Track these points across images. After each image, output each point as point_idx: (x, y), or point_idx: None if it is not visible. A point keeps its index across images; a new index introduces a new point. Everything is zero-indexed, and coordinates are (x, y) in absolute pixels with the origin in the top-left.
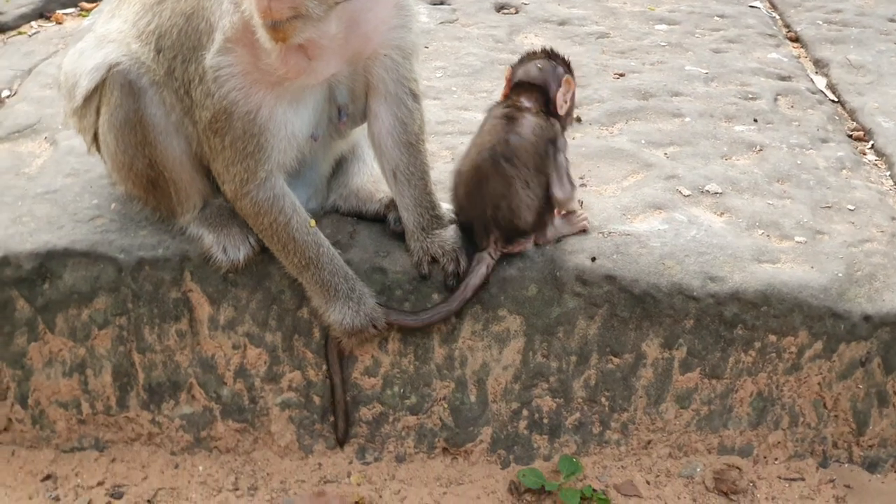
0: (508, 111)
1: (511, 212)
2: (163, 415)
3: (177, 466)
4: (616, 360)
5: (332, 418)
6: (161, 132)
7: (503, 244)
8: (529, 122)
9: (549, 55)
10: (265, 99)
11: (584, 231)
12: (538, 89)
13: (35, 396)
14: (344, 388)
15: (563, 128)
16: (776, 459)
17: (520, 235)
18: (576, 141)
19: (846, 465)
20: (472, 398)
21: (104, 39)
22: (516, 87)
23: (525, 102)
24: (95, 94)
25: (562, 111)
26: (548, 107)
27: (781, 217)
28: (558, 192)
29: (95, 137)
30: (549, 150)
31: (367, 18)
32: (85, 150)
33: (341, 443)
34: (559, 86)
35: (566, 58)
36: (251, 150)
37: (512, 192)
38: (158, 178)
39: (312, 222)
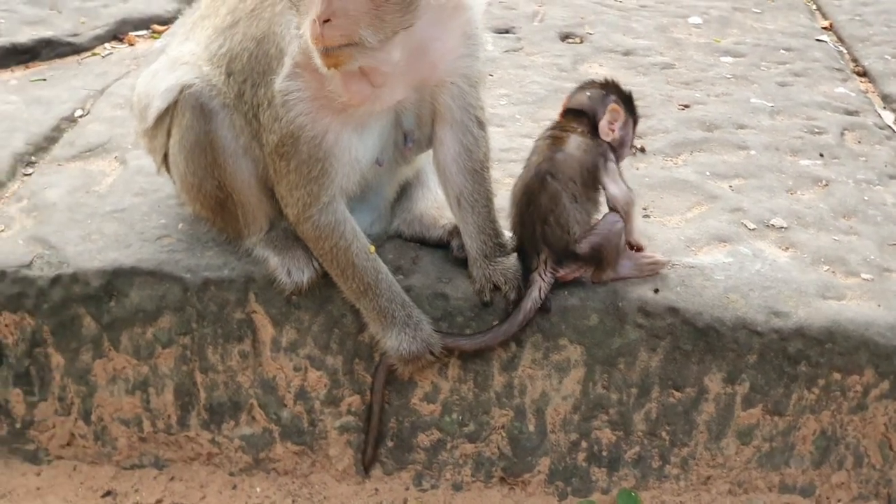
0: (555, 132)
1: (560, 226)
2: (222, 435)
3: (234, 487)
4: (677, 394)
5: (364, 443)
6: (231, 155)
7: (554, 264)
8: (575, 141)
9: (604, 84)
10: (331, 124)
11: (654, 274)
12: (586, 115)
13: (98, 413)
14: (381, 416)
15: (618, 156)
16: (839, 500)
17: (572, 257)
18: (640, 171)
19: None
20: (531, 427)
21: (177, 62)
22: (566, 113)
23: (573, 125)
24: (167, 115)
25: (607, 137)
26: (596, 132)
27: (847, 253)
28: (613, 189)
29: (165, 158)
30: (598, 163)
31: (435, 47)
32: (153, 170)
33: (367, 468)
34: (605, 112)
35: (625, 89)
36: (315, 174)
37: (559, 206)
38: (227, 200)
39: (372, 248)
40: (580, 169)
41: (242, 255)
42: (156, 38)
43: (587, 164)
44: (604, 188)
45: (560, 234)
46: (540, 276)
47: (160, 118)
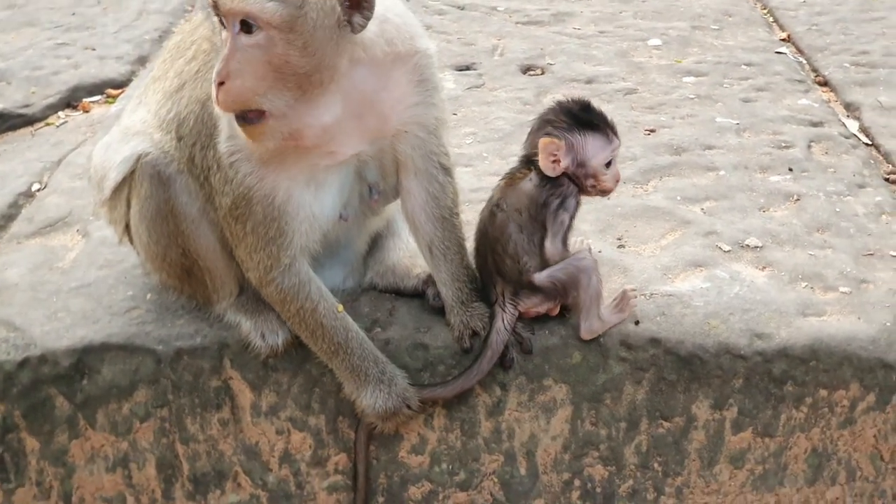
0: (513, 171)
1: (509, 256)
2: None
3: None
4: (666, 424)
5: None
6: (192, 221)
7: (512, 296)
8: (532, 177)
9: (543, 115)
10: (280, 182)
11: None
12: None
13: (79, 494)
14: (367, 475)
15: (585, 187)
16: None
17: (529, 288)
18: (611, 200)
19: None
20: (523, 471)
21: (129, 131)
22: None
23: (528, 166)
24: (125, 185)
25: (552, 173)
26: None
27: (824, 268)
28: (549, 247)
29: (127, 228)
30: (549, 202)
31: (381, 98)
32: (117, 241)
33: None
34: (541, 142)
35: (575, 106)
36: (272, 235)
37: (505, 235)
38: (193, 267)
39: (340, 307)
40: (528, 202)
41: (214, 322)
42: (111, 102)
43: (538, 199)
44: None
45: (511, 264)
46: (499, 307)
47: (118, 189)
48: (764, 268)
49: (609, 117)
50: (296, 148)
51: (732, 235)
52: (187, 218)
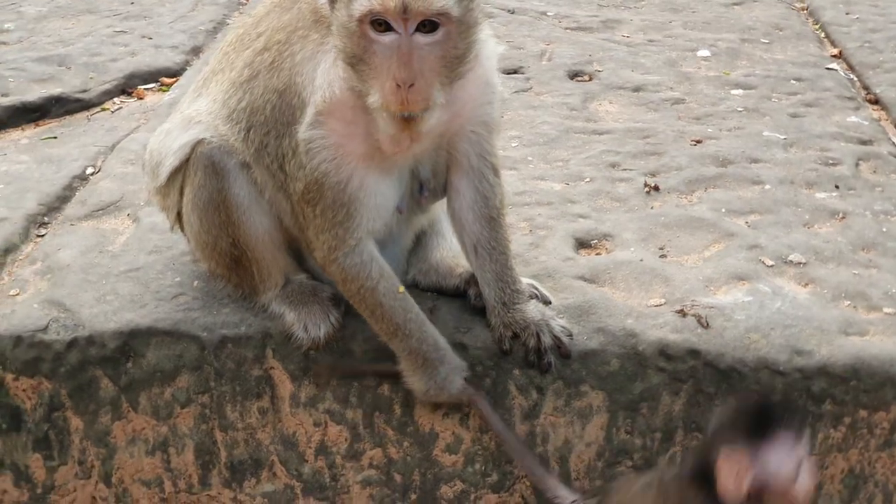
0: (664, 486)
1: None
2: (244, 493)
3: None
4: (702, 437)
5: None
6: (245, 212)
7: None
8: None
9: (732, 419)
10: (356, 170)
11: None
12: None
13: (119, 475)
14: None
15: None
16: None
17: None
18: (654, 210)
19: None
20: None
21: (191, 120)
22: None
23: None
24: (179, 173)
25: (731, 497)
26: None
27: (868, 287)
28: None
29: (179, 216)
30: None
31: (460, 97)
32: (166, 227)
33: None
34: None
35: (757, 416)
36: (340, 218)
37: None
38: (241, 257)
39: (401, 288)
40: None
41: (259, 312)
42: (165, 90)
43: None
44: None
45: None
46: None
47: (172, 176)
48: (807, 284)
49: (796, 414)
50: (375, 139)
51: (776, 250)
52: (240, 209)
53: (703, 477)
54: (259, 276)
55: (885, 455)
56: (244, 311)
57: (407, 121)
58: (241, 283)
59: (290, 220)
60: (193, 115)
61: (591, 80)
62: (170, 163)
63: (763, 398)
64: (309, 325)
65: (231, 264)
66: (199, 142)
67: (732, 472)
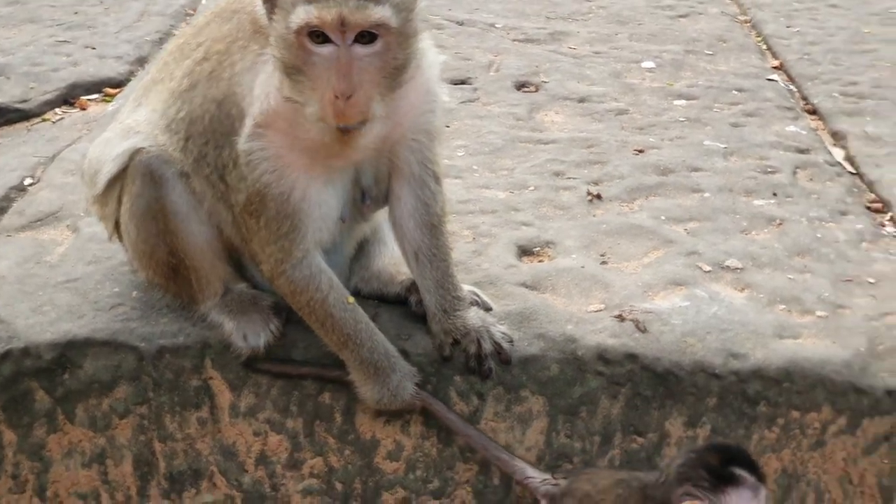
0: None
1: None
2: None
3: None
4: (640, 440)
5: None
6: (183, 221)
7: None
8: None
9: (695, 464)
10: (298, 181)
11: None
12: None
13: (54, 488)
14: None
15: None
16: None
17: None
18: (596, 218)
19: None
20: (496, 481)
21: (130, 130)
22: None
23: None
24: (117, 182)
25: None
26: None
27: (802, 292)
28: None
29: (117, 225)
30: None
31: (401, 106)
32: (106, 238)
33: None
34: None
35: (720, 463)
36: (285, 230)
37: None
38: (179, 266)
39: (350, 299)
40: None
41: (198, 321)
42: (108, 101)
43: None
44: None
45: None
46: None
47: (110, 185)
48: (743, 289)
49: (756, 462)
50: (317, 148)
51: (714, 256)
52: (177, 217)
53: None
54: (198, 285)
55: (817, 455)
56: (183, 320)
57: (345, 132)
58: (180, 292)
59: (231, 231)
60: (133, 124)
61: (537, 90)
62: (107, 170)
63: (725, 445)
64: (248, 335)
65: (169, 273)
66: (138, 150)
67: None
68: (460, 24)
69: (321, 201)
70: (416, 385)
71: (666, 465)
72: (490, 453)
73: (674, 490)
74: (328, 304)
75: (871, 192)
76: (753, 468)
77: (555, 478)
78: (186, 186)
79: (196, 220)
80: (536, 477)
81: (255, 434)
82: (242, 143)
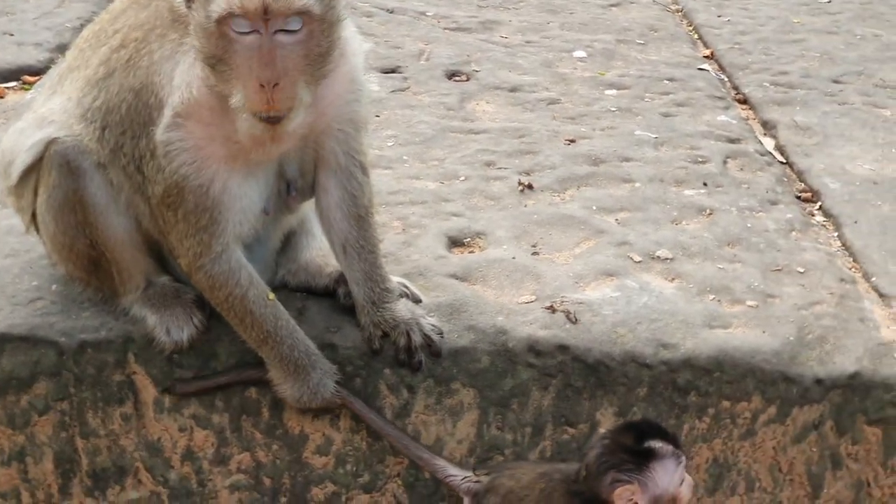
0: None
1: None
2: (108, 501)
3: None
4: (571, 431)
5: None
6: (102, 213)
7: None
8: None
9: (613, 448)
10: (217, 173)
11: None
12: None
13: None
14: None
15: None
16: None
17: None
18: (527, 208)
19: None
20: (427, 474)
21: (45, 119)
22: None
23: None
24: (33, 172)
25: None
26: None
27: (732, 281)
28: None
29: (34, 217)
30: None
31: (325, 95)
32: (24, 230)
33: None
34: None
35: (636, 442)
36: (204, 223)
37: None
38: (100, 259)
39: (271, 295)
40: None
41: (120, 315)
42: (27, 89)
43: None
44: None
45: None
46: None
47: (25, 175)
48: (673, 279)
49: (669, 431)
50: (236, 140)
51: (644, 246)
52: (96, 209)
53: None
54: (119, 278)
55: (748, 444)
56: (104, 314)
57: (271, 121)
58: (101, 286)
59: (149, 223)
60: (47, 113)
61: (468, 80)
62: (21, 161)
63: (635, 423)
64: (171, 329)
65: (89, 266)
66: (53, 140)
67: (628, 501)
68: (390, 11)
69: (242, 194)
70: (337, 383)
71: (583, 459)
72: (411, 452)
73: (600, 481)
74: (248, 300)
75: (801, 181)
76: (668, 438)
77: (476, 475)
78: (104, 178)
79: (115, 212)
80: (458, 475)
81: (181, 430)
82: (160, 134)
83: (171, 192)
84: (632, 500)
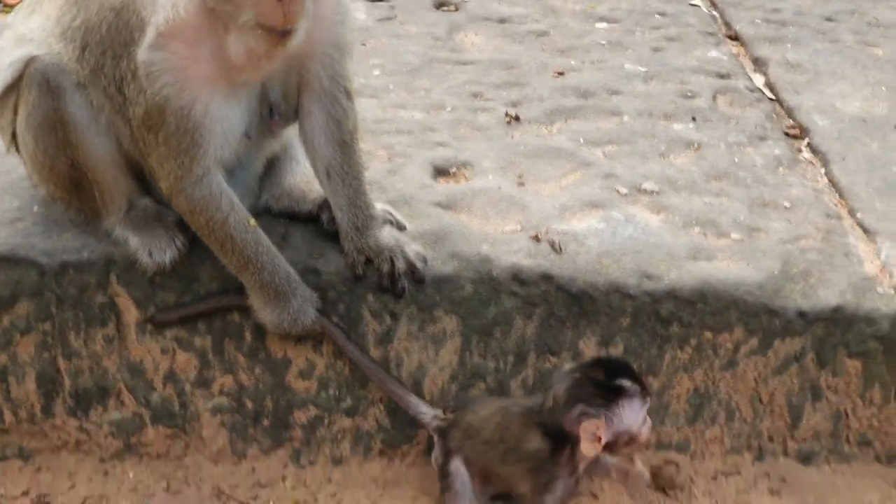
0: (515, 413)
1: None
2: (90, 421)
3: (106, 473)
4: (553, 360)
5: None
6: (83, 132)
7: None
8: (539, 441)
9: (584, 381)
10: (200, 95)
11: None
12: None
13: None
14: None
15: (613, 451)
16: (713, 454)
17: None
18: (514, 140)
19: (781, 459)
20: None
21: (23, 38)
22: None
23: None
24: (12, 91)
25: (590, 453)
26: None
27: (718, 215)
28: None
29: (14, 137)
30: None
31: (313, 14)
32: (4, 151)
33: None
34: (577, 431)
35: (608, 378)
36: (185, 146)
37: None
38: (81, 180)
39: (252, 221)
40: (528, 462)
41: (101, 237)
42: (7, 12)
43: (536, 465)
44: None
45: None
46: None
47: (5, 95)
48: (659, 212)
49: (636, 371)
50: (223, 60)
51: (631, 179)
52: (77, 128)
53: (555, 434)
54: (101, 199)
55: (729, 375)
56: (86, 236)
57: (284, 35)
58: (83, 207)
59: (130, 145)
60: (26, 32)
61: (457, 10)
62: (1, 79)
63: (606, 360)
64: (154, 251)
65: (71, 187)
66: (32, 59)
67: (591, 435)
68: None
69: (224, 117)
70: (319, 311)
71: (550, 391)
72: (385, 387)
73: (567, 412)
74: (228, 225)
75: (790, 118)
76: (637, 379)
77: (445, 413)
78: (85, 97)
79: (96, 133)
80: (428, 413)
81: (163, 352)
82: (142, 54)
83: (153, 114)
84: (596, 434)
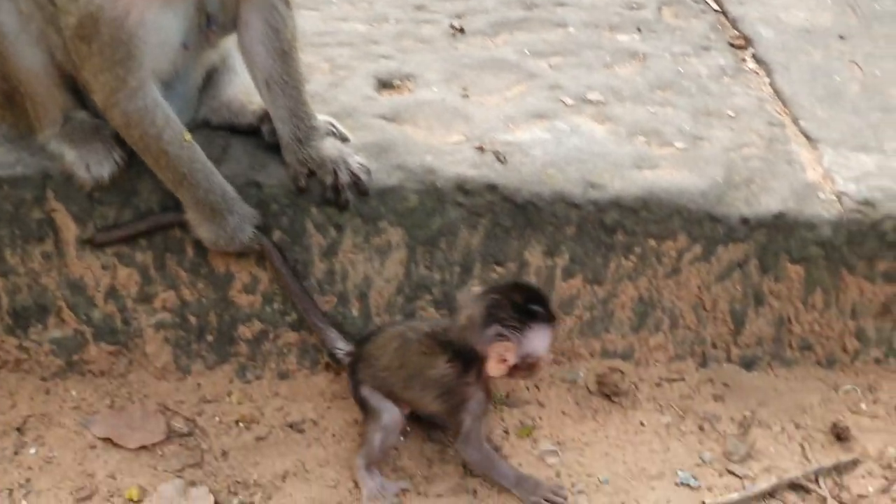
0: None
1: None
2: (30, 340)
3: (48, 392)
4: (499, 270)
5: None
6: (13, 43)
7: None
8: (445, 365)
9: (490, 303)
10: (134, 4)
11: None
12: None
13: None
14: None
15: (512, 375)
16: (657, 361)
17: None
18: (459, 51)
19: (724, 365)
20: (355, 312)
21: None
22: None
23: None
24: None
25: (496, 374)
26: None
27: (662, 124)
28: (467, 455)
29: None
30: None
31: None
32: None
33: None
34: (488, 350)
35: (526, 301)
36: (120, 57)
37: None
38: (13, 93)
39: (188, 136)
40: (435, 388)
41: (37, 152)
42: None
43: (444, 390)
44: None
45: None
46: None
47: None
48: (604, 122)
49: (548, 299)
50: None
51: (576, 90)
52: (7, 39)
53: (464, 354)
54: (35, 112)
55: (672, 282)
56: (20, 150)
57: None
58: (16, 121)
59: (63, 57)
60: None
61: None
62: None
63: (522, 284)
64: (91, 165)
65: (3, 101)
66: None
67: (500, 355)
68: None
69: (159, 27)
70: (258, 228)
71: (462, 310)
72: (309, 317)
73: (481, 331)
74: (163, 140)
75: (735, 28)
76: (548, 305)
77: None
78: (13, 5)
79: (27, 43)
80: (342, 349)
81: (104, 268)
82: None
83: (86, 24)
84: (504, 354)
